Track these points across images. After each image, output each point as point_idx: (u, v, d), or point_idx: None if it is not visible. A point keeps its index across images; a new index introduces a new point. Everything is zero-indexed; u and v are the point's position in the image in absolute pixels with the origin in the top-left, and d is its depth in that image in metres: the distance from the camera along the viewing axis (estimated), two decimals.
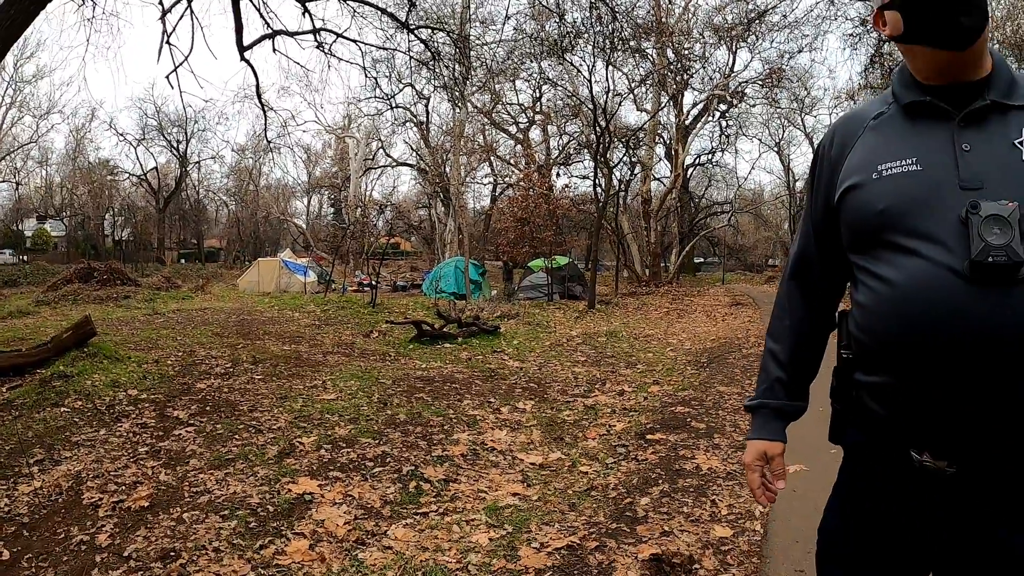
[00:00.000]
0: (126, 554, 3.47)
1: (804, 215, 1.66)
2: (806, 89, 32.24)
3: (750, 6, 26.74)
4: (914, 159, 1.35)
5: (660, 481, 4.71)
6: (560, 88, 26.68)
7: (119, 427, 5.44)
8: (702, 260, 51.56)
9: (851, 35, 22.83)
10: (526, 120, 35.19)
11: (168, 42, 10.30)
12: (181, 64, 10.45)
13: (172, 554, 3.47)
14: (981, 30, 1.32)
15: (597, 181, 22.17)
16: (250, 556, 3.48)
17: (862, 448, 1.51)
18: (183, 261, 48.19)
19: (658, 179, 35.42)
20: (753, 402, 1.71)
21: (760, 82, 29.46)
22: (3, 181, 44.85)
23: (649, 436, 5.82)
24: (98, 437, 5.20)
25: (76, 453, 4.87)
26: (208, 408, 6.02)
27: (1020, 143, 1.30)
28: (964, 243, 1.24)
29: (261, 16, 10.78)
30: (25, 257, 40.31)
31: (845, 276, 1.59)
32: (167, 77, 13.46)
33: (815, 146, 1.61)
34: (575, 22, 19.75)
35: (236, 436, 5.34)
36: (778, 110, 33.30)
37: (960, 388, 1.26)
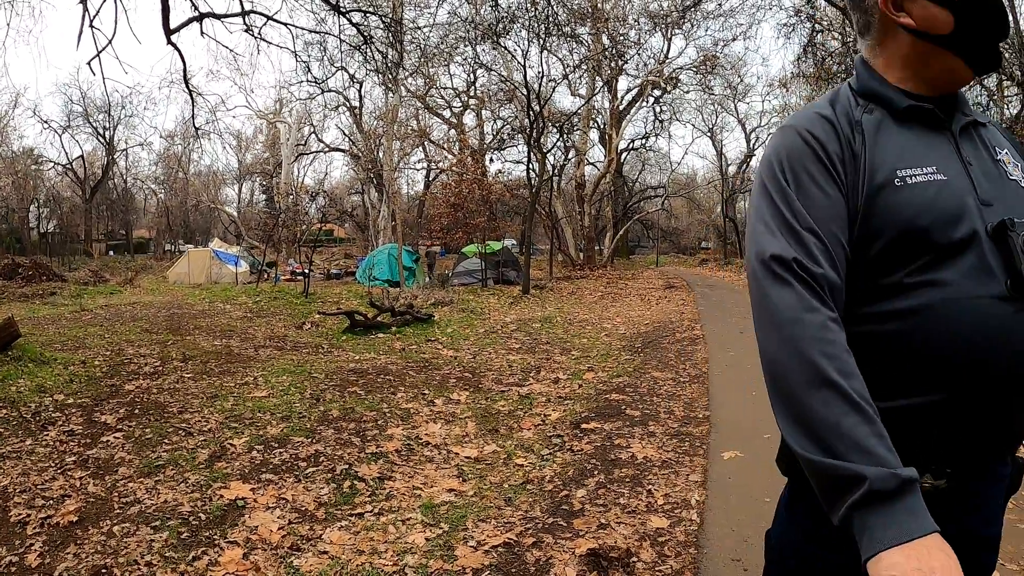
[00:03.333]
0: (56, 574, 3.39)
1: (795, 211, 1.24)
2: (739, 76, 32.92)
3: None
4: (934, 168, 1.23)
5: (596, 472, 4.79)
6: (494, 73, 26.58)
7: (45, 436, 5.29)
8: (635, 243, 52.18)
9: (785, 24, 23.33)
10: (460, 105, 34.94)
11: (92, 26, 9.91)
12: (104, 49, 10.08)
13: (104, 571, 3.40)
14: None
15: (531, 166, 22.23)
16: (183, 569, 3.43)
17: None
18: (111, 253, 46.53)
19: (592, 164, 35.74)
20: (905, 472, 1.06)
21: (694, 69, 29.87)
22: None
23: (584, 425, 5.90)
24: (24, 447, 5.04)
25: (1, 466, 4.71)
26: (137, 411, 5.89)
27: (1000, 161, 1.29)
28: (996, 259, 1.18)
29: None
30: None
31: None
32: (89, 63, 12.98)
33: (800, 134, 1.30)
34: (510, 6, 19.75)
35: (166, 440, 5.24)
36: (711, 96, 33.90)
37: (997, 405, 1.20)
